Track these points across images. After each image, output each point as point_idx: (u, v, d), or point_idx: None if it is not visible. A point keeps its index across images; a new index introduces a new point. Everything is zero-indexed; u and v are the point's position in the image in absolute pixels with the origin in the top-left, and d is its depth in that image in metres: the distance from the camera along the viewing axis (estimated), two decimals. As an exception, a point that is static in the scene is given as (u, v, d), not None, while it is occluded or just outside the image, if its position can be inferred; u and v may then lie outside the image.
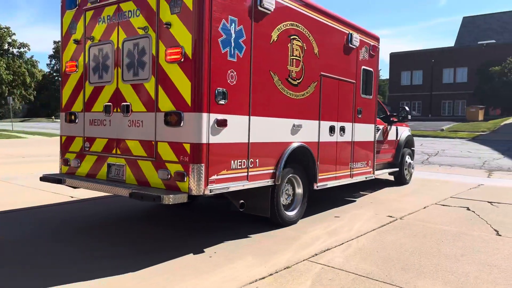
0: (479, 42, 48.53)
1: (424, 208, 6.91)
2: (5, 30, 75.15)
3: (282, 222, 5.40)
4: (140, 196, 4.19)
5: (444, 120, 39.60)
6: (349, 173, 6.89)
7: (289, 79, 5.35)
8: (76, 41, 5.29)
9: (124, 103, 4.74)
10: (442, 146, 19.32)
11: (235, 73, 4.52)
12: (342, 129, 6.58)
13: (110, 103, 4.90)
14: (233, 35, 4.49)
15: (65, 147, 5.51)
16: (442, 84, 48.85)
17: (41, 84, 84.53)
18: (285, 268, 4.02)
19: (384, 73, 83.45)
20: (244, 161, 4.70)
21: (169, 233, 5.18)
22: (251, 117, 4.77)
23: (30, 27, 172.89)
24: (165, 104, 4.37)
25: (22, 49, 77.70)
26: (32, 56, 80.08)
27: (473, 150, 18.16)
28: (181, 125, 4.23)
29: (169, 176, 4.32)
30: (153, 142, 4.48)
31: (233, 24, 4.47)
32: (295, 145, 5.44)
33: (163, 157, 4.39)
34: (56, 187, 7.65)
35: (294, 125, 5.48)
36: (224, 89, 4.38)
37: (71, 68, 5.38)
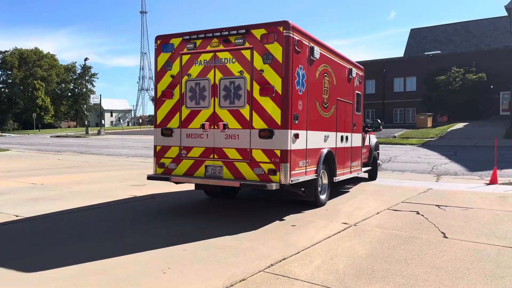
0: (426, 53, 51.22)
1: (377, 213, 7.12)
2: None
3: (319, 204, 7.59)
4: (249, 185, 6.35)
5: (396, 127, 41.26)
6: (349, 170, 9.28)
7: (323, 104, 7.67)
8: (172, 76, 7.05)
9: (221, 122, 6.65)
10: (395, 153, 20.06)
11: (301, 102, 6.65)
12: (347, 138, 9.05)
13: (207, 122, 6.78)
14: (301, 77, 6.63)
15: (160, 154, 7.28)
16: (393, 93, 50.97)
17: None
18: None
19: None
20: (304, 161, 6.81)
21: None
22: (307, 131, 6.92)
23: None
24: (258, 123, 6.37)
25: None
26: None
27: (422, 155, 19.00)
28: (273, 138, 6.25)
29: (263, 172, 6.32)
30: (248, 149, 6.44)
31: (301, 69, 6.61)
32: (325, 150, 7.69)
33: (257, 159, 6.38)
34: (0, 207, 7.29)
35: (325, 136, 7.78)
36: (297, 113, 6.52)
37: (167, 95, 7.11)
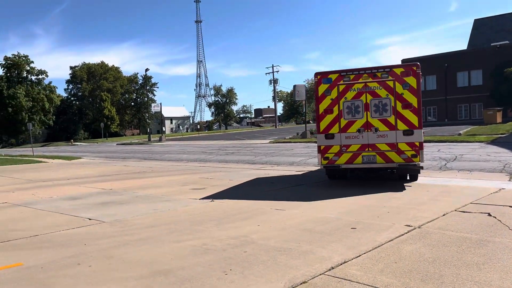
0: (492, 44, 47.81)
1: (444, 215, 6.75)
2: (24, 58, 77.51)
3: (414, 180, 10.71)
4: (406, 167, 9.92)
5: (461, 124, 38.87)
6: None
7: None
8: (332, 99, 10.17)
9: (373, 127, 9.96)
10: (460, 151, 18.91)
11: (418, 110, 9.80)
12: None
13: (362, 128, 10.00)
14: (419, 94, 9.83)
15: (324, 151, 10.23)
16: (457, 88, 48.14)
17: (59, 109, 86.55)
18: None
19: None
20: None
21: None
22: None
23: (47, 54, 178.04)
24: (401, 126, 9.74)
25: (40, 76, 79.88)
26: (50, 82, 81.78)
27: (492, 153, 17.71)
28: (413, 134, 9.68)
29: (407, 157, 9.69)
30: (395, 143, 9.81)
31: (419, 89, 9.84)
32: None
33: (401, 149, 9.75)
34: (74, 211, 7.83)
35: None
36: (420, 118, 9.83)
37: (328, 112, 10.20)
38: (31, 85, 77.55)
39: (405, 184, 10.26)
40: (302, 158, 18.21)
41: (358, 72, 10.08)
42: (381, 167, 10.26)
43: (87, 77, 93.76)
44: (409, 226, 6.09)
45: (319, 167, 11.21)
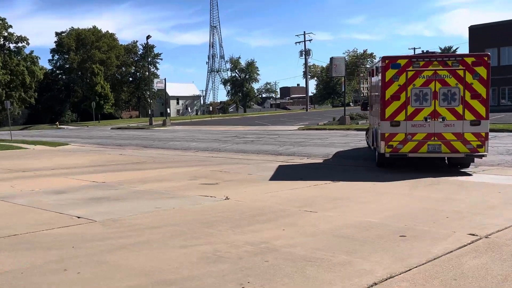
0: None
1: (518, 223, 6.63)
2: (0, 22, 79.24)
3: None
4: (469, 155, 11.67)
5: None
6: None
7: None
8: (399, 85, 11.78)
9: (441, 116, 11.63)
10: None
11: None
12: None
13: (429, 116, 11.69)
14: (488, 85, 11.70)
15: (388, 138, 11.87)
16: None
17: (42, 85, 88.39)
18: None
19: (464, 51, 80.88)
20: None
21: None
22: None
23: (28, 18, 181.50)
24: (469, 117, 11.42)
25: (20, 44, 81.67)
26: (31, 52, 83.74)
27: None
28: (480, 125, 11.38)
29: (472, 147, 11.40)
30: (461, 133, 11.46)
31: None
32: None
33: (467, 139, 11.41)
34: (61, 207, 8.04)
35: None
36: (488, 109, 11.69)
37: (394, 99, 11.85)
38: (9, 54, 79.37)
39: (469, 181, 10.12)
40: (340, 149, 18.12)
41: (429, 59, 11.81)
42: (447, 157, 12.61)
43: (76, 45, 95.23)
44: (473, 235, 6.01)
45: (352, 161, 11.42)
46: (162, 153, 20.60)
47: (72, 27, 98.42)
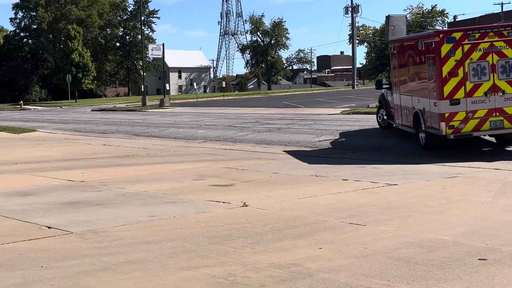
0: None
1: None
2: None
3: None
4: None
5: None
6: None
7: None
8: (456, 60, 14.02)
9: (500, 90, 14.09)
10: None
11: None
12: None
13: (489, 91, 14.04)
14: None
15: (449, 119, 14.01)
16: None
17: (1, 51, 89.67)
18: None
19: None
20: None
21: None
22: None
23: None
24: None
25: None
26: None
27: None
28: None
29: None
30: None
31: None
32: None
33: None
34: (25, 214, 8.16)
35: None
36: None
37: (452, 75, 14.03)
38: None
39: None
40: (395, 141, 17.98)
41: (485, 31, 14.38)
42: (510, 133, 14.96)
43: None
44: None
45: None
46: (159, 143, 20.75)
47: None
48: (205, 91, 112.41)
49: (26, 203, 9.57)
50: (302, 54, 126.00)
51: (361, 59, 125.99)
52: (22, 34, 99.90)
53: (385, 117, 20.54)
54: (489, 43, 14.07)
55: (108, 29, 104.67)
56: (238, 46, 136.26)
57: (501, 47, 14.03)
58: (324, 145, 18.14)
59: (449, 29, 16.16)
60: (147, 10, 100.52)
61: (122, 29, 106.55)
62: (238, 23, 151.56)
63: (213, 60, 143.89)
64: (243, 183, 11.23)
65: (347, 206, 8.86)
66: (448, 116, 13.97)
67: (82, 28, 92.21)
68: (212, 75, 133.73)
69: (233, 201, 9.33)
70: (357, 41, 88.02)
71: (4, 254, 6.56)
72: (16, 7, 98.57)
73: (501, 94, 14.00)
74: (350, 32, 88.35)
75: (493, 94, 14.01)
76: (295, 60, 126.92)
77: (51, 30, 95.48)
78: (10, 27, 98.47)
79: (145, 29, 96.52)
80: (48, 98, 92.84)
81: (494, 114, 13.98)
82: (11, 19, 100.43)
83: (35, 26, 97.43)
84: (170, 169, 13.73)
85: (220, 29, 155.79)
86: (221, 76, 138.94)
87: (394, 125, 19.47)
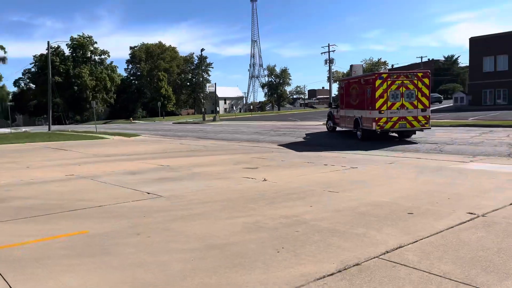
0: None
1: (511, 204, 6.34)
2: (88, 39, 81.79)
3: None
4: (419, 128, 16.67)
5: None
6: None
7: None
8: (383, 89, 15.96)
9: (405, 106, 16.19)
10: (533, 137, 17.46)
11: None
12: None
13: (399, 107, 16.14)
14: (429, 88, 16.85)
15: (378, 120, 15.95)
16: (532, 69, 44.25)
17: (119, 88, 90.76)
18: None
19: (464, 60, 77.61)
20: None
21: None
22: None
23: (110, 35, 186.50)
24: (420, 106, 16.24)
25: (103, 56, 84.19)
26: (111, 62, 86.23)
27: None
28: (426, 111, 16.38)
29: (422, 124, 16.38)
30: (416, 116, 16.24)
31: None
32: None
33: (419, 119, 16.26)
34: (134, 185, 8.22)
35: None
36: (429, 101, 17.03)
37: (381, 97, 15.92)
38: (94, 65, 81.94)
39: (468, 168, 9.74)
40: (341, 139, 17.82)
41: (399, 74, 16.61)
42: (408, 130, 16.83)
43: (146, 57, 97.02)
44: (471, 214, 5.79)
45: (345, 151, 11.12)
46: (212, 143, 20.82)
47: (142, 42, 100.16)
48: (240, 111, 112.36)
49: (134, 178, 9.69)
50: (299, 88, 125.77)
51: (334, 91, 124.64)
52: (131, 78, 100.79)
53: (331, 125, 22.75)
54: (401, 81, 16.20)
55: (182, 74, 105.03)
56: (260, 84, 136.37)
57: (407, 83, 16.20)
58: (313, 143, 18.02)
59: (379, 72, 17.17)
60: (205, 63, 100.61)
61: (190, 74, 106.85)
62: (260, 70, 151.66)
63: (245, 92, 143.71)
64: (263, 167, 11.22)
65: (327, 181, 8.80)
66: (377, 119, 16.03)
67: (167, 74, 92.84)
68: (244, 101, 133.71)
69: (257, 178, 9.34)
70: (332, 80, 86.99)
71: (122, 209, 6.66)
72: (128, 62, 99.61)
73: (406, 109, 16.16)
74: (328, 75, 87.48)
75: (401, 109, 16.15)
76: (295, 92, 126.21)
77: (148, 75, 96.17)
78: (124, 74, 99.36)
79: (204, 74, 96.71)
80: (147, 116, 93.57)
81: (401, 120, 16.20)
82: (125, 69, 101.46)
83: (139, 73, 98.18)
84: (219, 158, 13.77)
85: (249, 74, 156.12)
86: (249, 102, 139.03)
87: (337, 129, 22.20)
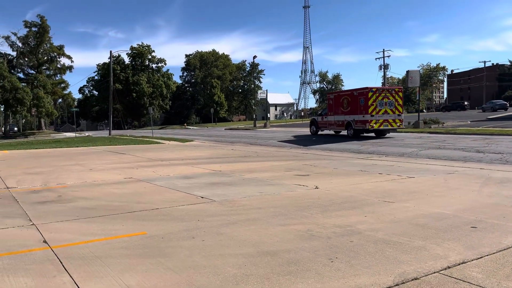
0: None
1: None
2: (147, 48, 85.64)
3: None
4: (397, 129, 24.79)
5: None
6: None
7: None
8: (373, 100, 22.67)
9: (388, 112, 23.02)
10: None
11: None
12: None
13: (384, 112, 22.87)
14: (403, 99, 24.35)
15: (370, 121, 22.62)
16: None
17: (175, 95, 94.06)
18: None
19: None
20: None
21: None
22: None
23: (166, 44, 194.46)
24: (397, 112, 23.16)
25: (159, 64, 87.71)
26: (167, 70, 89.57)
27: None
28: (401, 116, 23.43)
29: (398, 125, 23.63)
30: (394, 119, 23.10)
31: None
32: None
33: (397, 122, 23.31)
34: (188, 189, 8.41)
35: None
36: (403, 109, 24.16)
37: (372, 105, 22.66)
38: (151, 72, 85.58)
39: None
40: (414, 149, 17.12)
41: (383, 89, 23.15)
42: (389, 129, 23.26)
43: (200, 65, 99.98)
44: (543, 230, 5.35)
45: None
46: (263, 149, 20.92)
47: (197, 51, 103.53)
48: (290, 118, 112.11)
49: (188, 182, 9.94)
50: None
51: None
52: (186, 85, 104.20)
53: (314, 129, 29.04)
54: (384, 94, 22.90)
55: (234, 81, 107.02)
56: (311, 91, 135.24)
57: (388, 96, 22.90)
58: (366, 151, 17.56)
59: (370, 87, 22.69)
60: (257, 70, 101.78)
61: (242, 81, 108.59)
62: (311, 77, 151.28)
63: (296, 99, 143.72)
64: (315, 174, 11.10)
65: (382, 190, 8.52)
66: (369, 121, 22.58)
67: (220, 81, 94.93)
68: (295, 108, 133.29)
69: (309, 185, 9.24)
70: (387, 86, 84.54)
71: (177, 212, 6.85)
72: (183, 69, 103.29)
73: (388, 113, 22.84)
74: (382, 81, 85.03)
75: (385, 113, 22.77)
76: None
77: (202, 83, 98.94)
78: (179, 81, 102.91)
79: (256, 81, 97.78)
80: (200, 122, 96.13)
81: (385, 122, 22.83)
82: (180, 76, 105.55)
83: (193, 80, 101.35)
84: (270, 164, 13.81)
85: (300, 80, 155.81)
86: (300, 109, 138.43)
87: (319, 132, 28.82)
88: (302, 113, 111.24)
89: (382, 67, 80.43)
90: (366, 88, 22.87)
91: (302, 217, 6.32)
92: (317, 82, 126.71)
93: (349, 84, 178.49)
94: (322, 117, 27.72)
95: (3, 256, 4.73)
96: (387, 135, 24.31)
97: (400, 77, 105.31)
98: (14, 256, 4.73)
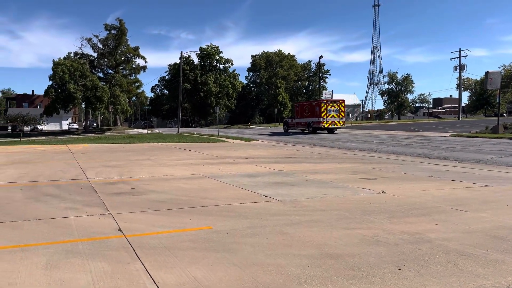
0: None
1: None
2: (215, 49, 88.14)
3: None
4: (340, 127, 37.71)
5: None
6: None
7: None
8: (325, 107, 34.46)
9: (335, 117, 34.89)
10: None
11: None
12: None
13: (332, 117, 34.68)
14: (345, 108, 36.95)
15: (322, 122, 34.48)
16: None
17: (240, 95, 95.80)
18: None
19: None
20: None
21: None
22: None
23: (234, 45, 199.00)
24: (340, 116, 35.37)
25: (226, 65, 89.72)
26: (234, 70, 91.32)
27: None
28: (343, 119, 35.99)
29: (341, 125, 35.85)
30: (339, 121, 35.38)
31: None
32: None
33: (341, 123, 35.72)
34: (252, 187, 8.55)
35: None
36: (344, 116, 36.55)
37: (324, 111, 34.34)
38: (219, 72, 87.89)
39: None
40: (492, 156, 15.89)
41: (332, 101, 34.81)
42: (336, 127, 35.00)
43: (265, 65, 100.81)
44: None
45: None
46: (327, 150, 20.63)
47: (263, 51, 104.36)
48: (356, 119, 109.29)
49: (252, 181, 10.10)
50: (422, 97, 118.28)
51: (464, 100, 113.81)
52: (251, 85, 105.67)
53: (286, 128, 40.14)
54: (332, 104, 33.82)
55: (299, 82, 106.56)
56: (379, 92, 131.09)
57: (335, 105, 34.00)
58: (437, 156, 16.61)
59: (325, 99, 35.66)
60: (323, 70, 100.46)
61: (307, 82, 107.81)
62: (379, 77, 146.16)
63: (362, 100, 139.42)
64: (382, 178, 10.73)
65: (454, 198, 8.02)
66: (322, 122, 33.29)
67: (285, 82, 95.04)
68: (361, 109, 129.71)
69: (376, 189, 8.96)
70: (462, 88, 79.40)
71: (241, 209, 7.00)
72: (248, 70, 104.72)
73: (335, 117, 33.59)
74: (458, 82, 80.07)
75: (332, 117, 33.44)
76: (417, 100, 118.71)
77: (267, 83, 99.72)
78: (245, 81, 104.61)
79: (321, 81, 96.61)
80: (264, 121, 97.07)
81: (333, 123, 33.54)
82: (245, 76, 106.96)
83: (258, 81, 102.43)
84: (334, 166, 13.58)
85: (368, 81, 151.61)
86: (367, 110, 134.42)
87: (289, 131, 39.31)
88: (369, 115, 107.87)
89: (458, 67, 75.65)
90: (320, 99, 37.51)
91: (367, 221, 6.15)
92: (385, 83, 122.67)
93: (420, 86, 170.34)
94: (291, 120, 39.71)
95: (84, 241, 5.15)
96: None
97: (478, 78, 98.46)
98: (93, 242, 5.13)
